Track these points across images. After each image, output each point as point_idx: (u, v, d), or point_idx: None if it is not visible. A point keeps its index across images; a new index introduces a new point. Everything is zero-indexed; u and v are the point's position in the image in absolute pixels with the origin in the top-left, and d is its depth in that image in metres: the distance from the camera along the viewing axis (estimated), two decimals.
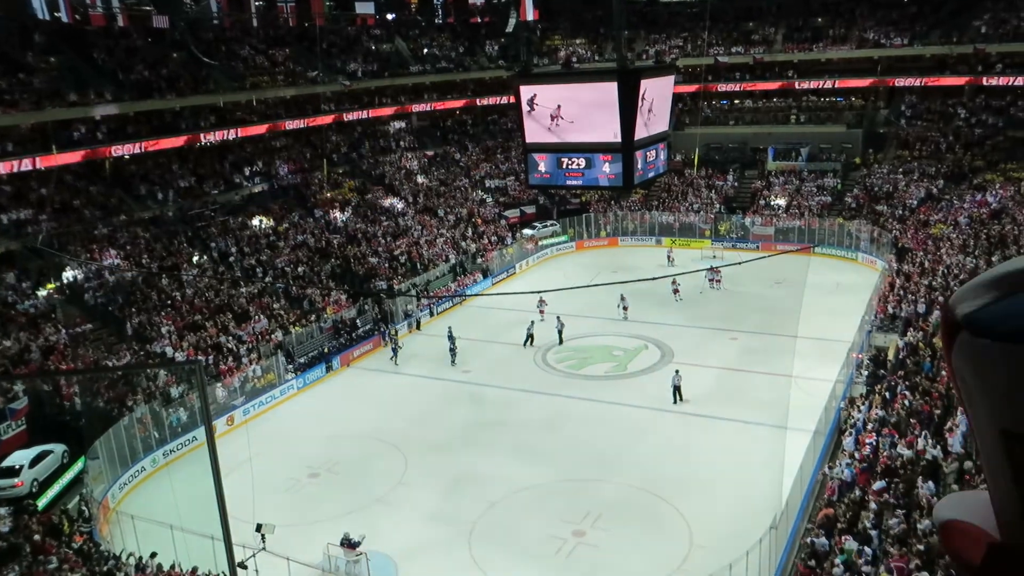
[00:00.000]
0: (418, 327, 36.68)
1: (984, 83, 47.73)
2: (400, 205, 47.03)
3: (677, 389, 26.85)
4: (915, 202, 44.15)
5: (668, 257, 43.96)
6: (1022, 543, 0.92)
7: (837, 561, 15.55)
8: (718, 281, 37.06)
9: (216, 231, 38.53)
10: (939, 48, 48.98)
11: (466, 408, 28.15)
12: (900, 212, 43.87)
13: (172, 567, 17.92)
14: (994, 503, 0.96)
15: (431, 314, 38.01)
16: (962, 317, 0.91)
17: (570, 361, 31.65)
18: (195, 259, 36.06)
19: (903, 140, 50.01)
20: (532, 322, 33.45)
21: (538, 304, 34.78)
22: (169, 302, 32.50)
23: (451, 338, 32.33)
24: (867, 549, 15.72)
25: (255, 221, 40.13)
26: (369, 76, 51.07)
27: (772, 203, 48.68)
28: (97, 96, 37.61)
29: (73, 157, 36.02)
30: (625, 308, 34.90)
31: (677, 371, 27.48)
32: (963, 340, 0.90)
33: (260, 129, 44.63)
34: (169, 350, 29.70)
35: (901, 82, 50.42)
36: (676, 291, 36.39)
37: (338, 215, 43.04)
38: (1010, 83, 46.55)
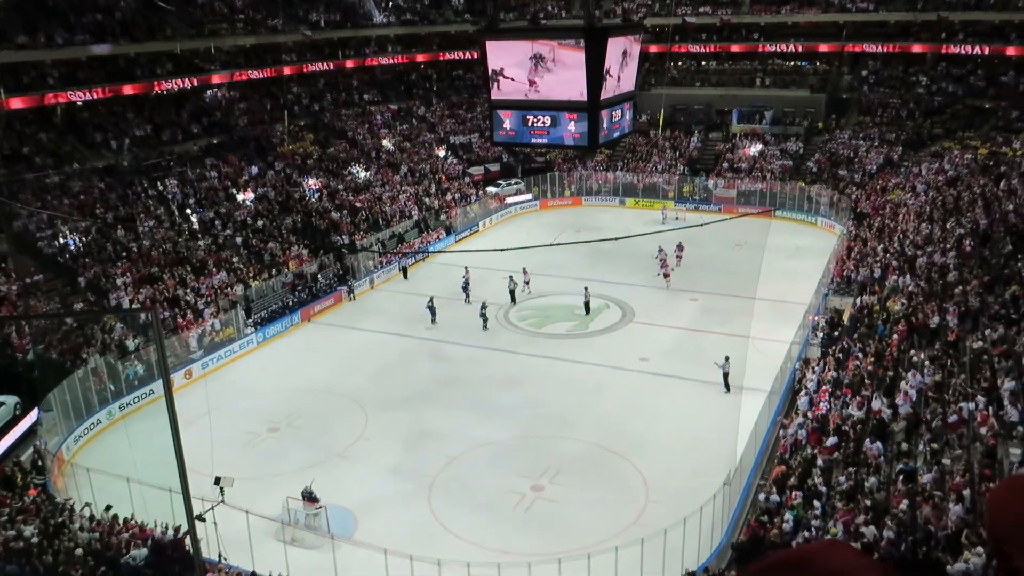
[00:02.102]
0: (405, 276, 37.23)
1: (945, 51, 48.21)
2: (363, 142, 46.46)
3: (726, 376, 24.64)
4: (874, 168, 44.75)
5: (663, 215, 43.93)
6: None
7: (787, 516, 15.99)
8: (679, 258, 36.37)
9: (174, 181, 37.68)
10: (903, 14, 49.28)
11: (427, 364, 28.19)
12: (859, 177, 44.45)
13: (128, 519, 17.81)
14: None
15: (398, 270, 37.91)
16: None
17: (532, 319, 31.77)
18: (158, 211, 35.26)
19: (865, 106, 50.48)
20: (511, 278, 33.07)
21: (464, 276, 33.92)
22: (124, 254, 31.84)
23: (465, 287, 32.95)
24: (816, 504, 16.19)
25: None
26: (332, 26, 49.94)
27: (743, 153, 48.82)
28: (48, 40, 36.27)
29: (22, 102, 34.84)
30: (527, 282, 33.73)
31: (727, 357, 24.83)
32: None
33: (218, 78, 43.56)
34: (125, 302, 29.16)
35: (865, 47, 50.74)
36: (667, 276, 34.00)
37: (312, 183, 41.56)
38: (971, 52, 47.08)
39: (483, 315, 30.62)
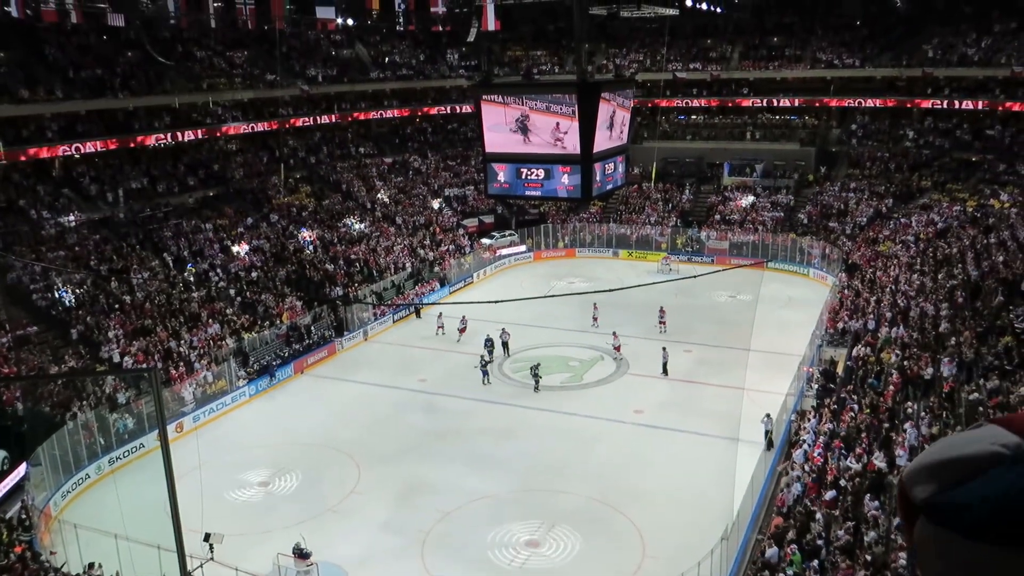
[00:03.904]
0: (418, 315, 38.24)
1: (931, 106, 49.14)
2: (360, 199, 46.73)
3: (769, 433, 24.17)
4: (865, 220, 45.19)
5: (664, 264, 44.28)
6: None
7: (788, 572, 15.76)
8: (663, 323, 35.01)
9: (169, 234, 37.81)
10: (889, 70, 50.36)
11: (420, 417, 27.97)
12: (850, 229, 44.86)
13: None
14: None
15: (392, 321, 38.05)
16: (920, 502, 1.00)
17: (526, 371, 31.59)
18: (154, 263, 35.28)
19: (854, 159, 51.20)
20: (503, 330, 32.66)
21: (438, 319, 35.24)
22: (118, 306, 31.76)
23: (490, 346, 31.81)
24: (815, 561, 15.97)
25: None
26: (328, 81, 50.72)
27: (733, 206, 49.40)
28: (48, 93, 36.72)
29: (21, 155, 35.13)
30: (460, 329, 33.50)
31: (768, 415, 24.37)
32: (923, 524, 1.00)
33: (216, 132, 44.04)
34: (117, 355, 29.00)
35: (852, 102, 51.73)
36: (617, 348, 32.27)
37: (306, 235, 41.72)
38: (956, 107, 47.99)
39: (535, 375, 29.57)
